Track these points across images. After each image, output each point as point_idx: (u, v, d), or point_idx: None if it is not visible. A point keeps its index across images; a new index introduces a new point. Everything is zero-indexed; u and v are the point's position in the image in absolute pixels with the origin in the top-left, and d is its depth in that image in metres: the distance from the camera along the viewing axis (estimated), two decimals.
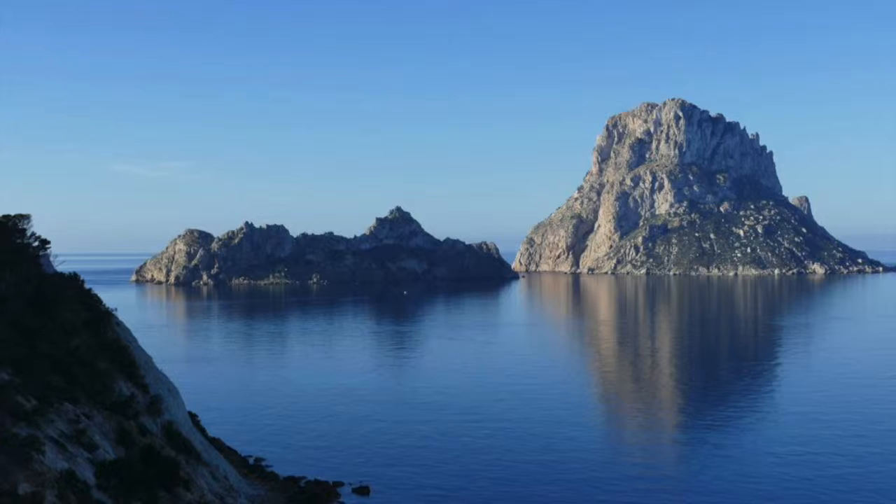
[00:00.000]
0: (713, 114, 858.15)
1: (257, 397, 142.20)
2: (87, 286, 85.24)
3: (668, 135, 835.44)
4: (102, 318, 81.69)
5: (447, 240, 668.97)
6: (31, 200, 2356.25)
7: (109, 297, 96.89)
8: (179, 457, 69.59)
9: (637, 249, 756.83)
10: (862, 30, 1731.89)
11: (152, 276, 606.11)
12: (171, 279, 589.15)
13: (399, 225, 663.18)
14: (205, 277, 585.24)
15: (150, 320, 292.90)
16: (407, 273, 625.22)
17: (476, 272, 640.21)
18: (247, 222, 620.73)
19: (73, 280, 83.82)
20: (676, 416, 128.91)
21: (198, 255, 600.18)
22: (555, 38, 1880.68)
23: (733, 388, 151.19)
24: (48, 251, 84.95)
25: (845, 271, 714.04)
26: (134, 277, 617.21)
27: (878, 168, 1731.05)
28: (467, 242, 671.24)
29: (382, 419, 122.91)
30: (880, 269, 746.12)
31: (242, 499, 76.35)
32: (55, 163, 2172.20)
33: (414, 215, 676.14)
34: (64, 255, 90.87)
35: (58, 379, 63.29)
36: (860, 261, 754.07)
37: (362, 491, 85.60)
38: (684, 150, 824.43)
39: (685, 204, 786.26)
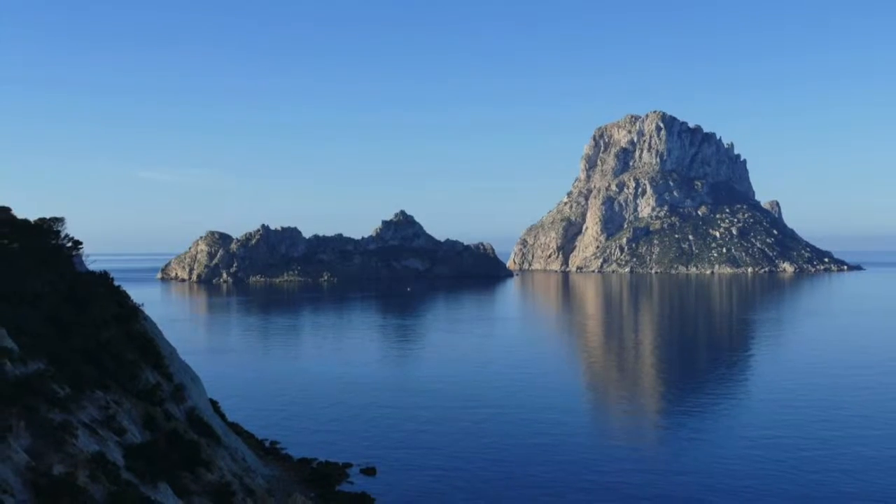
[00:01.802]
0: (691, 125, 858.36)
1: (273, 385, 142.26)
2: (116, 283, 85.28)
3: (649, 144, 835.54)
4: (131, 312, 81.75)
5: (447, 241, 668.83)
6: (65, 205, 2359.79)
7: (137, 294, 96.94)
8: (201, 440, 69.59)
9: (622, 249, 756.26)
10: (829, 48, 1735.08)
11: (176, 273, 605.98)
12: (194, 277, 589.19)
13: (403, 227, 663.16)
14: (225, 275, 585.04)
15: (174, 314, 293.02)
16: (410, 271, 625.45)
17: (474, 270, 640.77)
18: (263, 225, 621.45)
19: (104, 278, 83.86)
20: (658, 402, 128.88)
21: (218, 255, 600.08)
22: (547, 55, 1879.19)
23: (710, 377, 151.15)
24: (80, 251, 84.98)
25: (813, 270, 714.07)
26: (159, 275, 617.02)
27: (843, 174, 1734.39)
28: (465, 243, 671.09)
29: (387, 405, 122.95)
30: (845, 267, 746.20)
31: (259, 478, 76.32)
32: (87, 170, 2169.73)
33: (416, 218, 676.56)
34: (95, 255, 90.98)
35: (90, 369, 63.31)
36: (826, 260, 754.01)
37: (369, 471, 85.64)
38: (665, 158, 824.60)
39: (666, 208, 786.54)
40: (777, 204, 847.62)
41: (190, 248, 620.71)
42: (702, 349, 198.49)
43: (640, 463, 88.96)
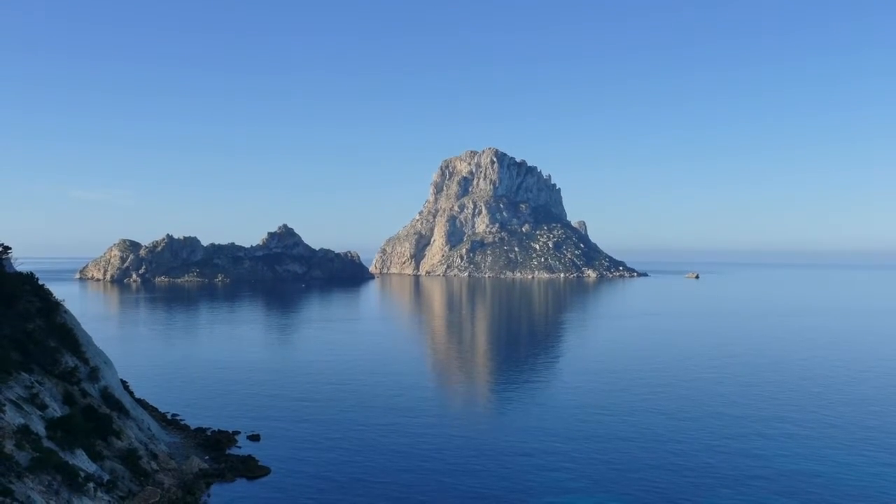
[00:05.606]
0: (518, 159, 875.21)
1: (174, 367, 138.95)
2: (40, 282, 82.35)
3: (485, 174, 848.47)
4: (52, 306, 79.30)
5: (321, 249, 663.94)
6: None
7: (58, 291, 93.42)
8: (112, 413, 68.11)
9: (462, 258, 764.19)
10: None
11: (92, 274, 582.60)
12: (107, 277, 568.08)
13: (285, 237, 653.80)
14: (134, 276, 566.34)
15: (91, 308, 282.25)
16: (290, 274, 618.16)
17: (342, 274, 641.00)
18: (168, 234, 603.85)
19: (30, 277, 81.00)
20: (489, 385, 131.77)
21: (129, 259, 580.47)
22: (400, 101, 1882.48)
23: (531, 363, 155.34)
24: (10, 255, 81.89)
25: (610, 275, 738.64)
26: (77, 275, 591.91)
27: (637, 202, 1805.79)
28: (336, 251, 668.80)
29: (269, 384, 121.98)
30: (634, 274, 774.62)
31: (162, 445, 74.96)
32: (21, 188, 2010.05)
33: (296, 229, 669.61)
34: (23, 258, 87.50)
35: (17, 354, 61.29)
36: (620, 268, 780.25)
37: (254, 438, 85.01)
38: (497, 185, 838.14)
39: (497, 225, 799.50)
40: (584, 223, 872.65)
41: (105, 253, 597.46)
42: (524, 340, 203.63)
43: (473, 433, 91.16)
